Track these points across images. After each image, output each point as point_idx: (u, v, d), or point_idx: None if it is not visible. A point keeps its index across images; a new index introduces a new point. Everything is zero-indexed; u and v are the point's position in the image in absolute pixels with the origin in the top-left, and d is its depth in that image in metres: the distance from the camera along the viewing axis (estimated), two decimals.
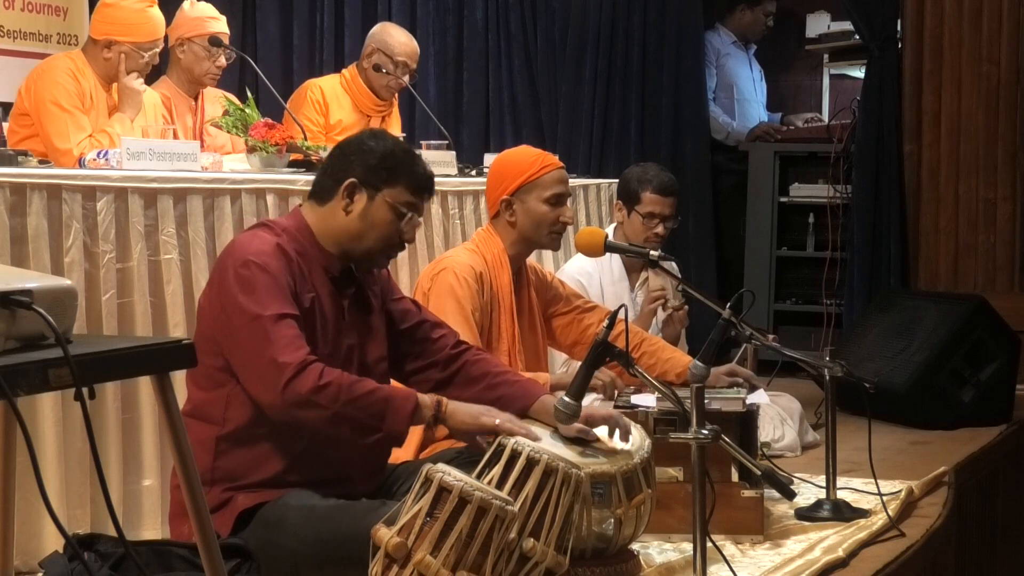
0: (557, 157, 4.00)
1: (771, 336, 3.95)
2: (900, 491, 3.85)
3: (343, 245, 3.07)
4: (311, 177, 3.26)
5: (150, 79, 4.73)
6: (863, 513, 3.69)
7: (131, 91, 4.53)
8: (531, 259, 4.08)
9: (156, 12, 4.59)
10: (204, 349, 2.84)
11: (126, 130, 4.39)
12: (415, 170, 3.10)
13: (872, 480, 3.72)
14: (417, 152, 3.15)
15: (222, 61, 5.02)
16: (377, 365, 3.16)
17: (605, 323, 2.99)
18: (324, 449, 3.00)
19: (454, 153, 5.13)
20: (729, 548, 3.30)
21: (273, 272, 2.92)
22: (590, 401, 3.61)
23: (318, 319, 3.01)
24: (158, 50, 4.65)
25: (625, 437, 3.03)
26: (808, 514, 3.68)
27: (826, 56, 7.30)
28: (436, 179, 4.69)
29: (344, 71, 5.68)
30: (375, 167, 3.05)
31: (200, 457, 2.78)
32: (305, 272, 3.01)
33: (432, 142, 5.17)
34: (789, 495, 3.14)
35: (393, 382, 3.34)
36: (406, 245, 3.16)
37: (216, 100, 5.07)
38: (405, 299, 3.31)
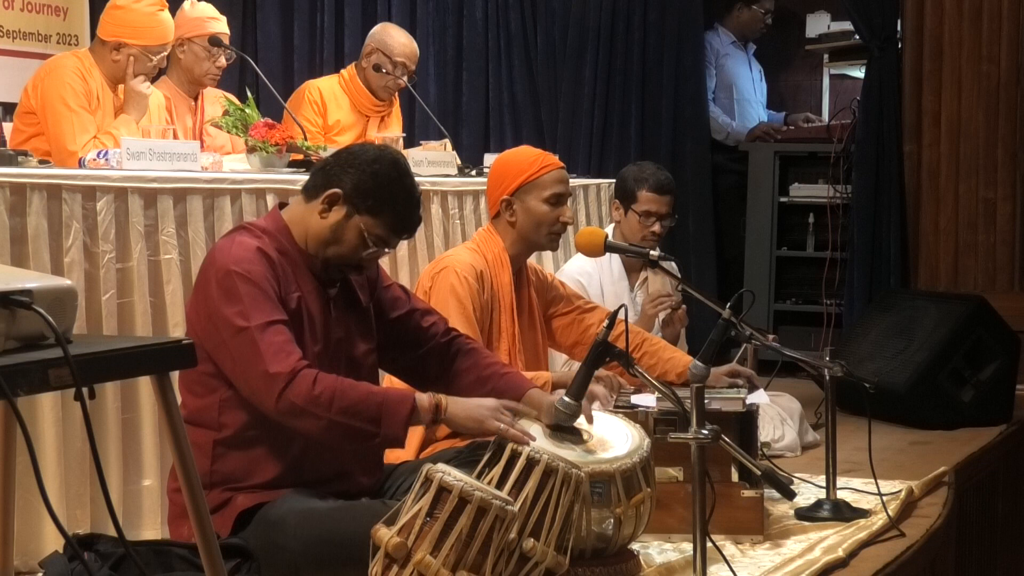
0: (557, 157, 4.01)
1: (771, 336, 3.94)
2: (900, 491, 3.85)
3: (308, 244, 3.04)
4: None
5: (151, 79, 4.72)
6: (863, 513, 3.69)
7: (137, 94, 4.52)
8: (531, 259, 4.09)
9: (166, 16, 4.58)
10: None
11: (131, 132, 4.38)
12: (402, 212, 3.03)
13: (872, 480, 3.72)
14: (415, 195, 3.05)
15: (222, 61, 5.02)
16: (365, 359, 3.15)
17: (605, 323, 2.99)
18: (321, 449, 3.00)
19: (454, 153, 5.13)
20: (729, 548, 3.30)
21: (256, 279, 2.89)
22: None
23: (305, 317, 3.00)
24: (166, 54, 4.65)
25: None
26: (808, 514, 3.68)
27: (826, 56, 7.30)
28: (436, 179, 4.75)
29: (343, 71, 5.68)
30: (365, 192, 2.99)
31: (198, 461, 2.77)
32: (288, 272, 2.99)
33: (433, 142, 5.18)
34: (789, 495, 3.15)
35: (385, 375, 3.33)
36: (362, 270, 3.12)
37: (216, 100, 5.07)
38: (394, 286, 3.28)
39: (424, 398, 2.93)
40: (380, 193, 2.99)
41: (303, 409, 2.82)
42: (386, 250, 3.08)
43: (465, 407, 2.97)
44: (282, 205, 3.16)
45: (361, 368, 3.11)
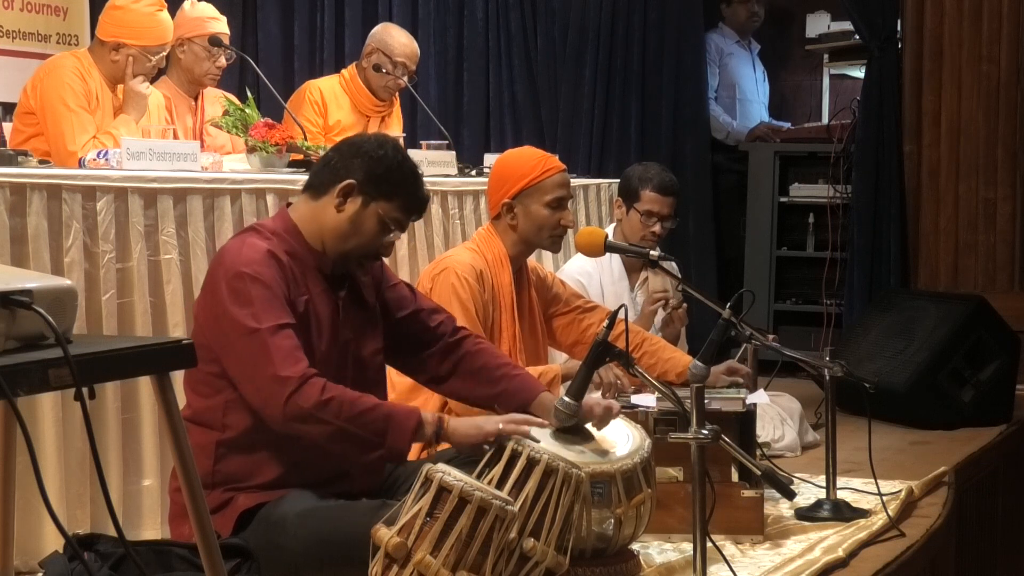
0: (558, 158, 4.00)
1: (771, 336, 3.94)
2: (900, 491, 3.85)
3: (325, 242, 3.04)
4: None
5: (151, 79, 4.72)
6: (863, 513, 3.69)
7: (136, 95, 4.52)
8: (531, 259, 4.08)
9: (165, 16, 4.58)
10: (200, 356, 2.81)
11: (130, 132, 4.38)
12: (413, 192, 3.08)
13: (872, 480, 3.73)
14: (419, 173, 3.13)
15: (222, 61, 5.01)
16: (372, 359, 3.15)
17: (605, 323, 2.99)
18: (324, 453, 2.99)
19: (454, 153, 5.13)
20: (729, 548, 3.30)
21: (266, 281, 2.89)
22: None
23: (312, 320, 2.99)
24: (165, 54, 4.64)
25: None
26: (808, 514, 3.68)
27: (826, 56, 7.30)
28: (436, 179, 4.75)
29: (343, 71, 5.68)
30: (378, 177, 3.03)
31: (200, 461, 2.77)
32: (298, 274, 2.99)
33: (432, 142, 5.18)
34: (789, 495, 3.15)
35: (391, 372, 3.33)
36: (381, 258, 3.16)
37: (216, 100, 5.07)
38: (400, 285, 3.28)
39: (428, 414, 2.95)
40: (392, 176, 3.04)
41: (310, 414, 2.82)
42: (400, 234, 3.13)
43: (465, 420, 2.99)
44: (290, 205, 3.16)
45: (368, 368, 3.11)
